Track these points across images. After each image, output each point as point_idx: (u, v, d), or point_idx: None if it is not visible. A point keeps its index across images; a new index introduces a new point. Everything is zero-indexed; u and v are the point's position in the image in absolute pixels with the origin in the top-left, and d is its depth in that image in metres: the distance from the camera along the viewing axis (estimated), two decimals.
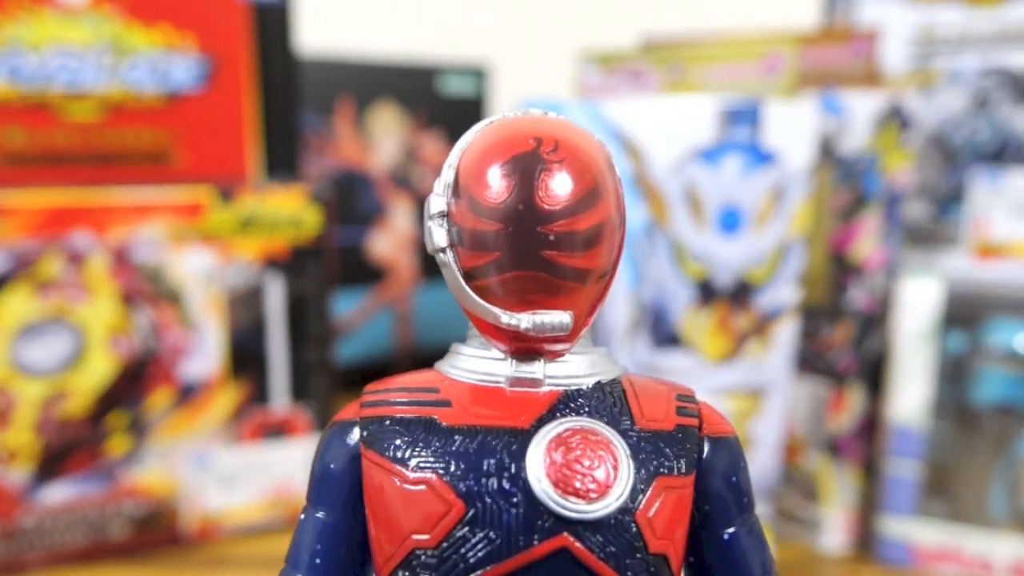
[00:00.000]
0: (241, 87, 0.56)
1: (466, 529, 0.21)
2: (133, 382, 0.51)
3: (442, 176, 0.23)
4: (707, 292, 0.46)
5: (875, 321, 0.52)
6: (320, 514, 0.23)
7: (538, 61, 0.89)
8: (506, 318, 0.22)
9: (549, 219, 0.21)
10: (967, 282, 0.51)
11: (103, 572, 0.50)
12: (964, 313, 0.50)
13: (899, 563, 0.51)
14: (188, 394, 0.53)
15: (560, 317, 0.22)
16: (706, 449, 0.23)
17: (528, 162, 0.21)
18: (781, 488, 0.55)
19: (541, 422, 0.22)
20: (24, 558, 0.49)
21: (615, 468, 0.21)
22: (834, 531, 0.53)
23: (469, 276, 0.22)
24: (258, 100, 0.57)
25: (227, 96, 0.56)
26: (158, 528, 0.53)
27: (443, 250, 0.22)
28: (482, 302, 0.22)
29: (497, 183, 0.21)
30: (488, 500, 0.21)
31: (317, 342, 0.56)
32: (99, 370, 0.50)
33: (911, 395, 0.51)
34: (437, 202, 0.22)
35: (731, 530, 0.23)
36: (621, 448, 0.22)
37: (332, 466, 0.23)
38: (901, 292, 0.51)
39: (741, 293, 0.47)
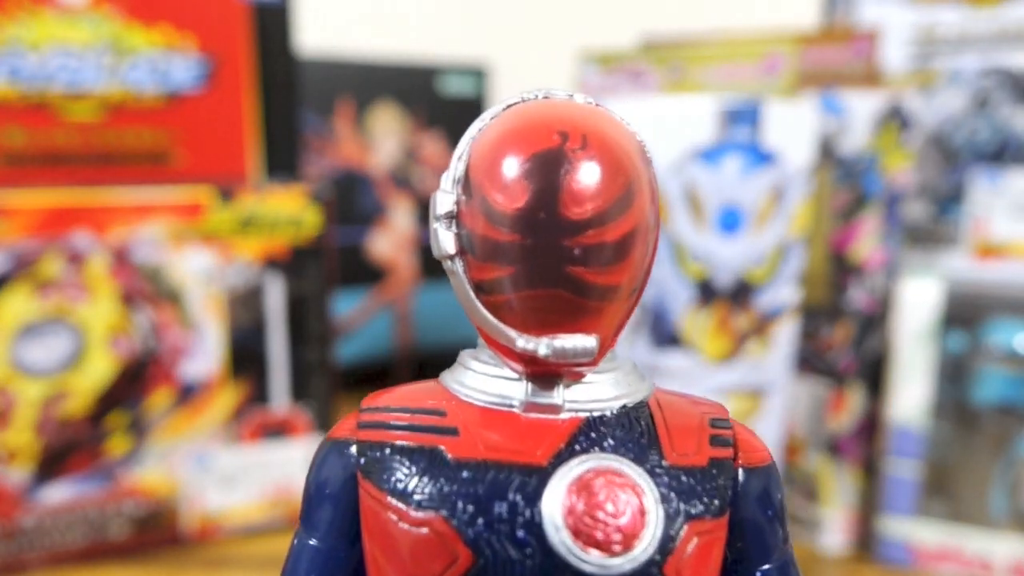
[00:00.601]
0: (241, 87, 0.56)
1: None
2: (133, 382, 0.51)
3: (451, 169, 0.20)
4: (707, 292, 0.46)
5: (875, 321, 0.52)
6: (313, 541, 0.21)
7: (538, 61, 0.89)
8: (522, 343, 0.19)
9: (575, 230, 0.18)
10: (967, 282, 0.51)
11: (103, 572, 0.50)
12: (964, 313, 0.50)
13: (899, 563, 0.51)
14: (188, 394, 0.53)
15: (584, 342, 0.19)
16: (741, 480, 0.21)
17: (551, 161, 0.19)
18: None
19: (560, 458, 0.19)
20: (24, 558, 0.49)
21: (642, 514, 0.19)
22: (834, 531, 0.53)
23: (480, 289, 0.20)
24: (258, 100, 0.57)
25: (227, 96, 0.56)
26: (158, 528, 0.53)
27: (451, 257, 0.20)
28: (495, 321, 0.20)
29: (515, 185, 0.19)
30: (499, 549, 0.19)
31: (317, 342, 0.56)
32: (99, 370, 0.50)
33: (911, 395, 0.51)
34: (444, 200, 0.20)
35: (766, 567, 0.21)
36: (649, 491, 0.19)
37: (327, 490, 0.21)
38: (901, 292, 0.51)
39: (741, 293, 0.47)
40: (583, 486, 0.19)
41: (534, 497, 0.19)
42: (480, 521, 0.19)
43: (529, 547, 0.19)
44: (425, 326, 0.83)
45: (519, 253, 0.19)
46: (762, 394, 0.48)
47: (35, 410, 0.49)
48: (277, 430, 0.55)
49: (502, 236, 0.19)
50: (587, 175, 0.19)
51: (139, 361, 0.51)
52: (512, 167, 0.19)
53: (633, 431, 0.20)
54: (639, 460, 0.20)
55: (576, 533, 0.18)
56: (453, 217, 0.20)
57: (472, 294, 0.20)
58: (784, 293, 0.48)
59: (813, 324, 0.53)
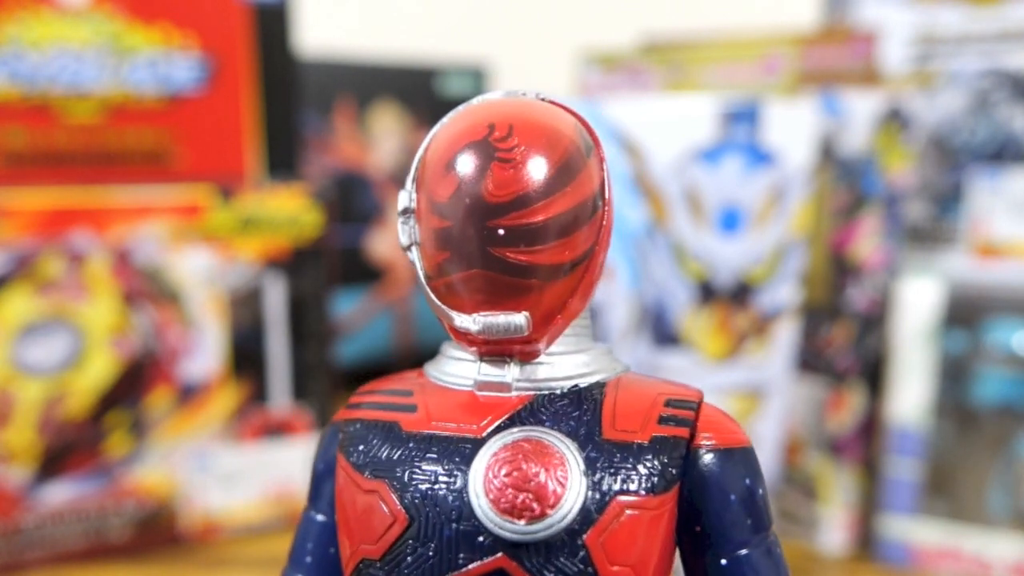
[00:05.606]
0: (241, 87, 0.56)
1: (409, 543, 0.20)
2: (133, 382, 0.51)
3: (412, 168, 0.22)
4: (707, 292, 0.46)
5: (875, 321, 0.52)
6: (313, 513, 0.23)
7: (538, 61, 0.89)
8: (458, 320, 0.20)
9: (496, 213, 0.20)
10: (967, 282, 0.51)
11: (103, 572, 0.50)
12: (964, 313, 0.50)
13: (899, 563, 0.51)
14: (188, 394, 0.53)
15: (512, 319, 0.20)
16: (700, 462, 0.21)
17: (476, 150, 0.20)
18: (781, 488, 0.55)
19: (497, 431, 0.20)
20: (24, 558, 0.49)
21: (562, 485, 0.19)
22: (834, 531, 0.53)
23: (429, 276, 0.21)
24: (258, 100, 0.57)
25: (227, 96, 0.56)
26: (158, 528, 0.53)
27: (408, 248, 0.21)
28: (438, 303, 0.21)
29: (447, 175, 0.20)
30: (430, 514, 0.20)
31: (317, 342, 0.56)
32: (99, 370, 0.50)
33: (911, 395, 0.51)
34: (403, 198, 0.21)
35: (742, 552, 0.21)
36: (574, 462, 0.20)
37: (321, 466, 0.23)
38: (901, 292, 0.51)
39: (741, 293, 0.47)
40: (506, 455, 0.20)
41: (464, 466, 0.20)
42: (415, 487, 0.20)
43: (455, 512, 0.20)
44: (425, 326, 0.83)
45: (451, 238, 0.20)
46: (762, 394, 0.48)
47: (35, 410, 0.49)
48: (277, 430, 0.55)
49: (439, 224, 0.20)
50: (508, 162, 0.20)
51: (139, 361, 0.51)
52: (447, 160, 0.20)
53: (579, 408, 0.21)
54: (572, 434, 0.20)
55: (495, 500, 0.19)
56: (410, 213, 0.21)
57: (423, 281, 0.21)
58: (784, 293, 0.48)
59: (813, 324, 0.53)
